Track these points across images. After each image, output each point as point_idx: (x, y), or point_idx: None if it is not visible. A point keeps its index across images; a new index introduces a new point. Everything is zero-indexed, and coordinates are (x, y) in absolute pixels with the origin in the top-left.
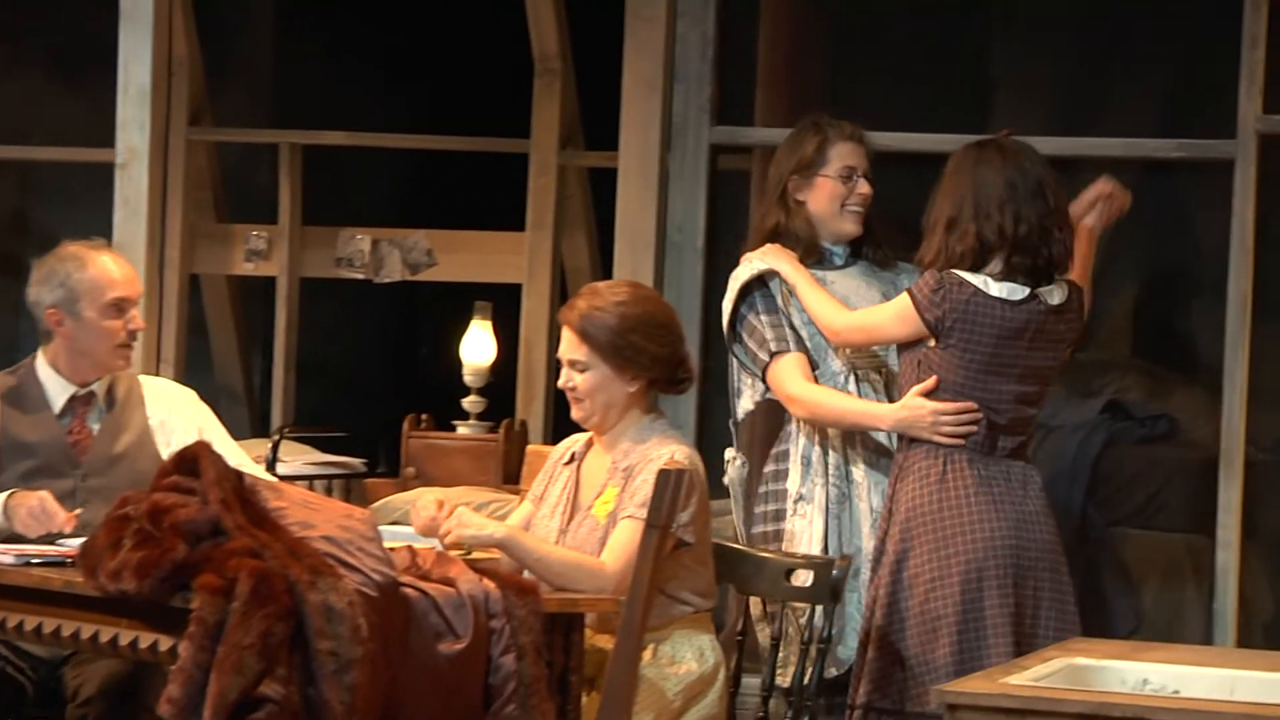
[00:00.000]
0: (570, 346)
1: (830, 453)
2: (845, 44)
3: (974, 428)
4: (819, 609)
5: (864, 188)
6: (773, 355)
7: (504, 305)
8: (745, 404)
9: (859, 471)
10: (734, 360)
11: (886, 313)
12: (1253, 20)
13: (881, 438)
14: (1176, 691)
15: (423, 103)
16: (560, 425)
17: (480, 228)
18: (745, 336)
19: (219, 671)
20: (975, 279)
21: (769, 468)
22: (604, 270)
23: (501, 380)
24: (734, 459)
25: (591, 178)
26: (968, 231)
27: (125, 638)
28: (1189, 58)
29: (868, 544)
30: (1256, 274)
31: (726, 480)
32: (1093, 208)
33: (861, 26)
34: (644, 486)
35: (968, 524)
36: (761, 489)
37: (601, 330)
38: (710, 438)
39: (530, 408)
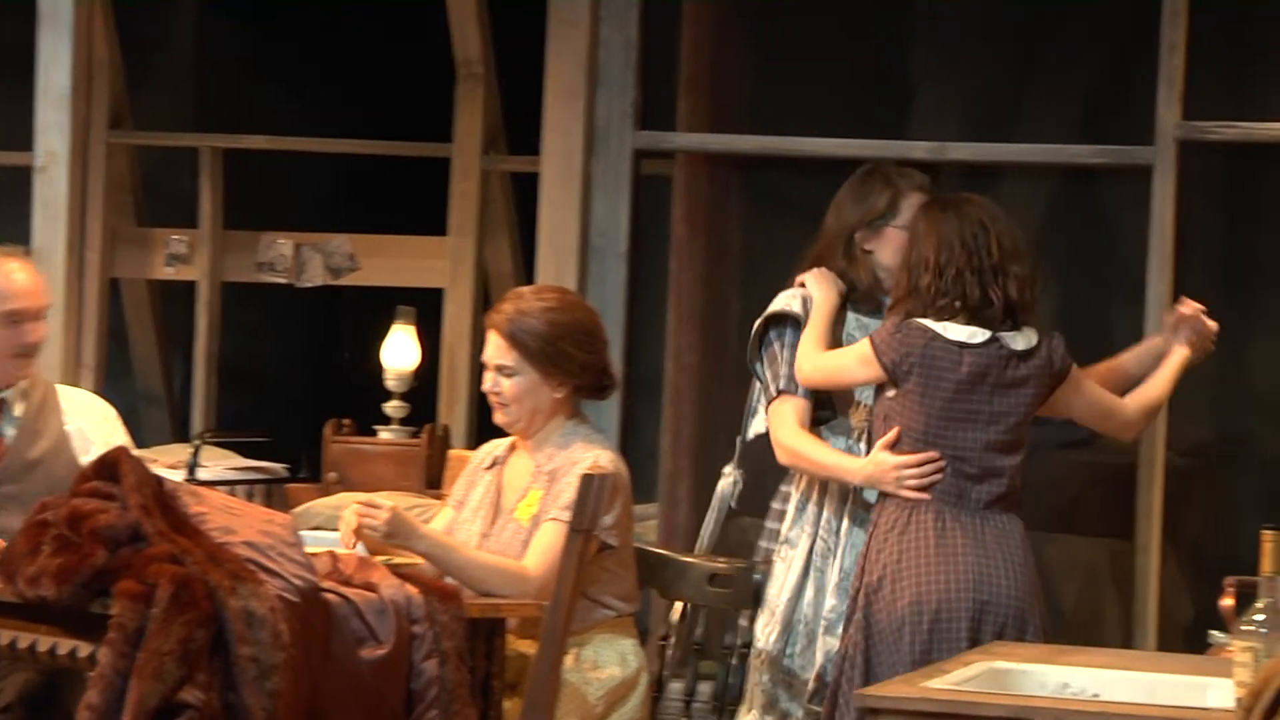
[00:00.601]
0: (498, 351)
1: (826, 503)
2: (767, 49)
3: (938, 477)
4: (742, 613)
5: None
6: (779, 393)
7: (426, 310)
8: (757, 426)
9: (845, 527)
10: (755, 380)
11: (849, 356)
12: (1171, 27)
13: (870, 495)
14: (1097, 695)
15: (345, 107)
16: (483, 430)
17: (403, 233)
18: (765, 363)
19: (139, 678)
20: (935, 325)
21: (774, 503)
22: (527, 275)
23: (424, 385)
24: (729, 474)
25: (514, 183)
26: (916, 292)
27: (44, 644)
28: (1108, 64)
29: (832, 601)
30: (1175, 279)
31: (716, 492)
32: (1177, 330)
33: (783, 32)
34: (567, 490)
35: (923, 575)
36: (765, 522)
37: (530, 336)
38: (634, 443)
39: (453, 413)
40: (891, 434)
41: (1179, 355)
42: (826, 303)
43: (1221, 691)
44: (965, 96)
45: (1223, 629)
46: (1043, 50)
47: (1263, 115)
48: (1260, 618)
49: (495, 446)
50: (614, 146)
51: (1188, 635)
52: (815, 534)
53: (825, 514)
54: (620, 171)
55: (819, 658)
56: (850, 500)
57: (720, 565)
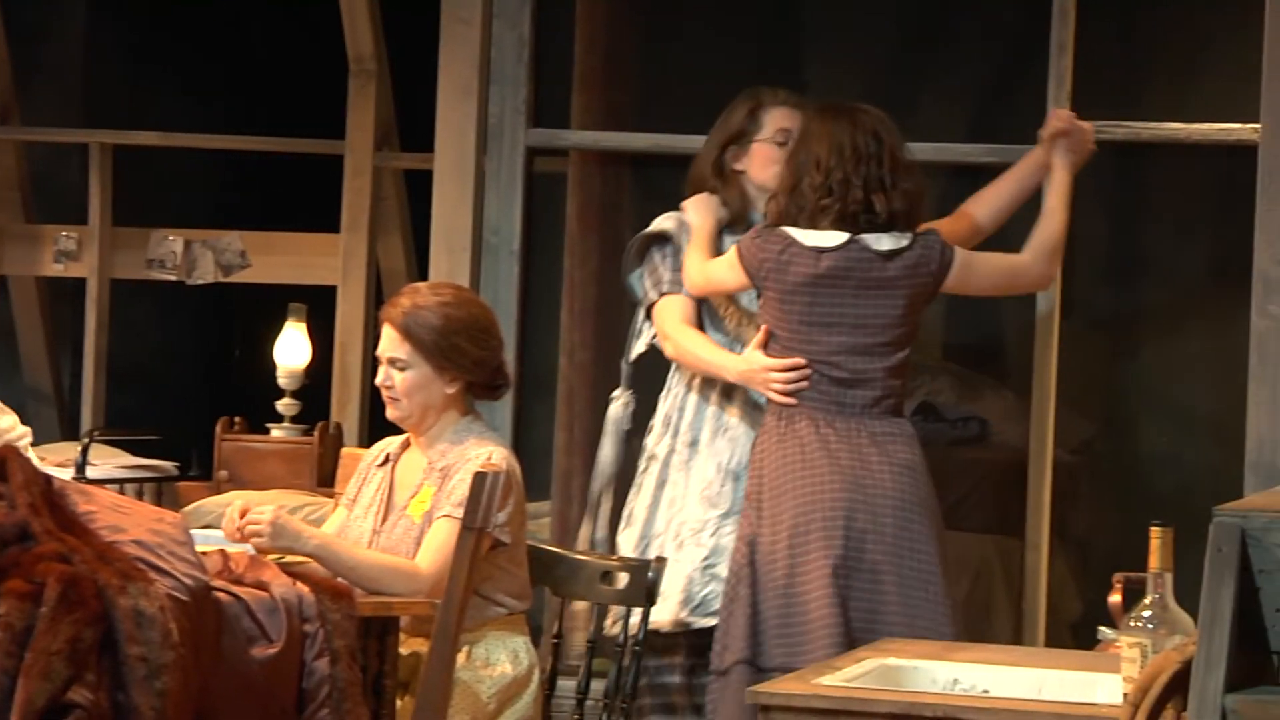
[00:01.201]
0: (391, 345)
1: (689, 413)
2: (660, 47)
3: (804, 384)
4: (635, 611)
5: None
6: (661, 294)
7: (319, 308)
8: (639, 346)
9: (706, 438)
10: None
11: (721, 263)
12: (1060, 27)
13: (758, 397)
14: (986, 691)
15: (237, 103)
16: (375, 428)
17: (295, 230)
18: (645, 274)
19: (26, 677)
20: (794, 231)
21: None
22: (420, 273)
23: (316, 383)
24: (618, 397)
25: (407, 180)
26: (796, 191)
27: None
28: (998, 63)
29: (696, 509)
30: (1065, 278)
31: (608, 416)
32: (1054, 145)
33: (676, 29)
34: (460, 486)
35: (797, 483)
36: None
37: (425, 330)
38: (527, 440)
39: (345, 410)
40: (761, 332)
41: (1061, 175)
42: (705, 224)
43: (1109, 687)
44: (857, 94)
45: (1111, 625)
46: (934, 49)
47: (1150, 115)
48: (1148, 614)
49: (388, 444)
50: (507, 144)
51: (1076, 631)
52: (674, 446)
53: (683, 426)
54: (513, 169)
55: (686, 568)
56: (716, 407)
57: (613, 563)
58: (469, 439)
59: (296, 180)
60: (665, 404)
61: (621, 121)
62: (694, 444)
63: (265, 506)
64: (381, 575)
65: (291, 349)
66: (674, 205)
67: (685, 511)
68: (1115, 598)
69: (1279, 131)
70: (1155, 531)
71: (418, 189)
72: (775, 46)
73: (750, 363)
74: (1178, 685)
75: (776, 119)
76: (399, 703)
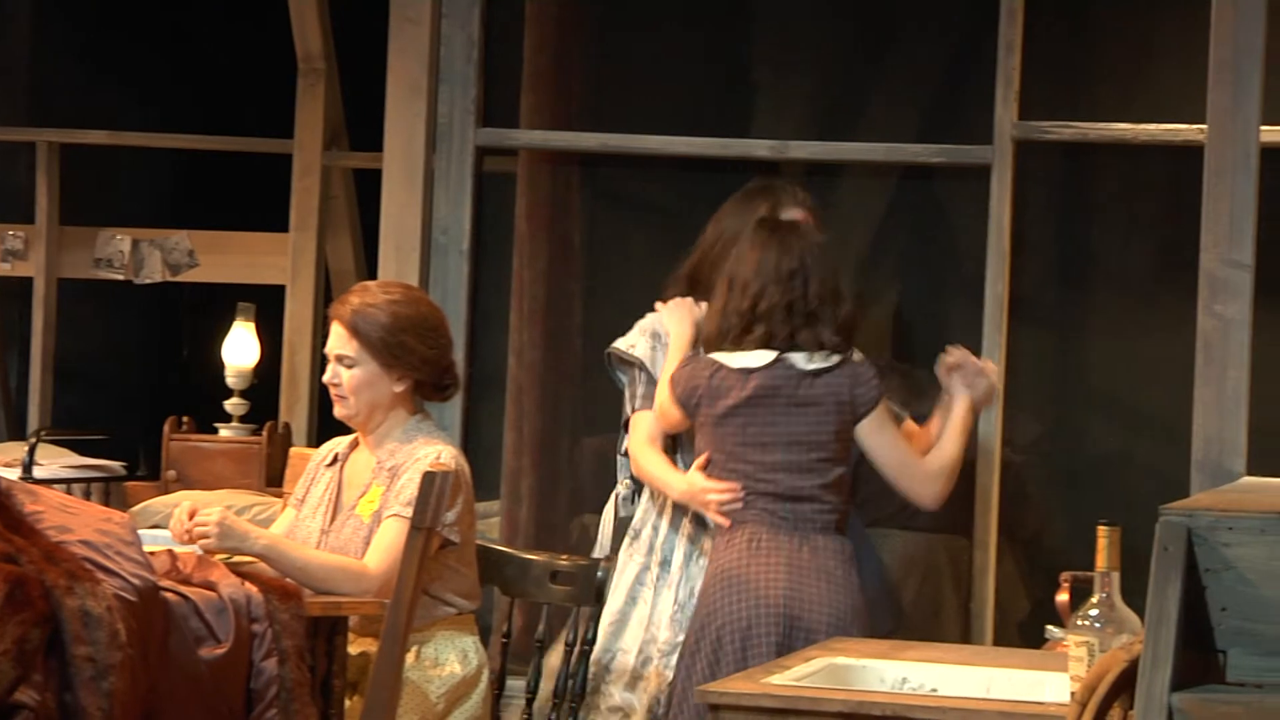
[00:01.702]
0: (340, 342)
1: (663, 530)
2: (610, 47)
3: (738, 505)
4: (583, 610)
5: None
6: (634, 411)
7: (267, 307)
8: (625, 441)
9: (680, 559)
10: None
11: (663, 395)
12: (1008, 28)
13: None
14: (935, 690)
15: (185, 102)
16: (324, 428)
17: (244, 229)
18: (625, 384)
19: None
20: (721, 356)
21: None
22: (369, 272)
23: (265, 383)
24: (621, 486)
25: (356, 179)
26: (724, 314)
27: None
28: (947, 64)
29: (666, 634)
30: (1012, 278)
31: (608, 505)
32: (951, 381)
33: (626, 30)
34: (409, 486)
35: (729, 596)
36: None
37: (373, 327)
38: (476, 440)
39: (294, 410)
40: (701, 458)
41: (960, 406)
42: (682, 332)
43: (1057, 686)
44: (807, 95)
45: (1058, 624)
46: (883, 50)
47: (1098, 115)
48: (1095, 613)
49: (337, 444)
50: (456, 143)
51: (1024, 630)
52: (646, 563)
53: (657, 543)
54: (462, 168)
55: (653, 690)
56: (691, 528)
57: (562, 562)
58: (418, 438)
59: (245, 179)
60: (637, 515)
61: (571, 121)
62: (665, 564)
63: (212, 508)
64: (329, 575)
65: (240, 348)
66: (623, 206)
67: (653, 631)
68: (1063, 597)
69: (1225, 132)
70: (1102, 531)
71: (367, 188)
72: (725, 48)
73: (691, 484)
74: (1125, 684)
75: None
76: (347, 702)
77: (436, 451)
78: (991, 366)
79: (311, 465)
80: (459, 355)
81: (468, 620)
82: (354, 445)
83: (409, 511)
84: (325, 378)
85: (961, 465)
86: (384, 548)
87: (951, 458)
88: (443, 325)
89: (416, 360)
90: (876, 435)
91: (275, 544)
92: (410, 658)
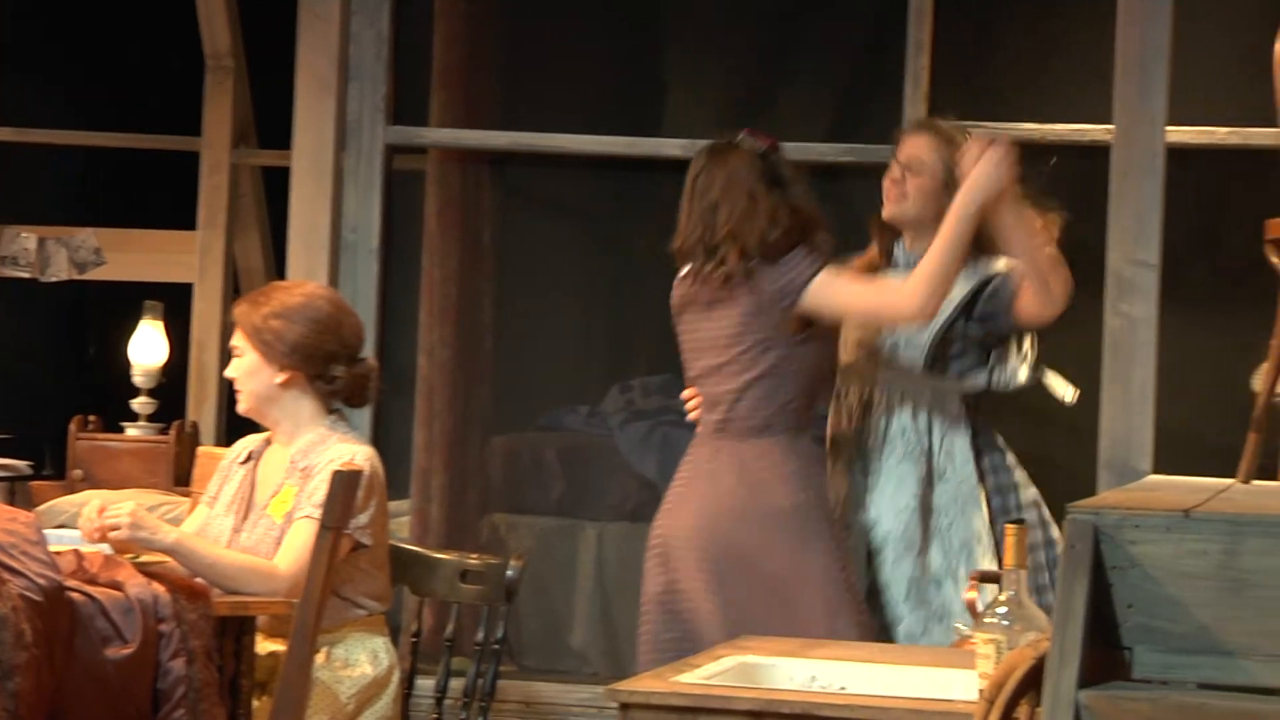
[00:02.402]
0: (235, 333)
1: None
2: (521, 45)
3: (696, 412)
4: (494, 610)
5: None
6: None
7: (175, 305)
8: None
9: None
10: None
11: None
12: (917, 27)
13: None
14: (844, 688)
15: (92, 99)
16: (232, 427)
17: (151, 227)
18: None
19: None
20: (683, 270)
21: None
22: (278, 271)
23: (173, 381)
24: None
25: (265, 177)
26: (685, 231)
27: None
28: (855, 63)
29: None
30: None
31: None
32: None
33: (537, 28)
34: (322, 486)
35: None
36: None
37: (254, 314)
38: (386, 439)
39: (202, 409)
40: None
41: (956, 202)
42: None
43: (965, 683)
44: (717, 94)
45: (967, 621)
46: (792, 49)
47: (1006, 115)
48: (1003, 610)
49: (250, 442)
50: (365, 141)
51: None
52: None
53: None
54: (372, 166)
55: None
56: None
57: (472, 561)
58: (332, 439)
59: (152, 177)
60: None
61: (482, 119)
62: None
63: (123, 504)
64: (239, 574)
65: (147, 347)
66: (533, 205)
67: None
68: (971, 594)
69: (1131, 132)
70: (1010, 529)
71: (275, 186)
72: (636, 47)
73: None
74: (1032, 681)
75: (901, 148)
76: (256, 703)
77: (351, 452)
78: (998, 150)
79: (225, 463)
80: (368, 354)
81: (378, 621)
82: (267, 443)
83: (320, 513)
84: (227, 372)
85: (954, 272)
86: (295, 548)
87: (934, 261)
88: (331, 320)
89: (285, 346)
90: (825, 290)
91: (184, 541)
92: (320, 658)
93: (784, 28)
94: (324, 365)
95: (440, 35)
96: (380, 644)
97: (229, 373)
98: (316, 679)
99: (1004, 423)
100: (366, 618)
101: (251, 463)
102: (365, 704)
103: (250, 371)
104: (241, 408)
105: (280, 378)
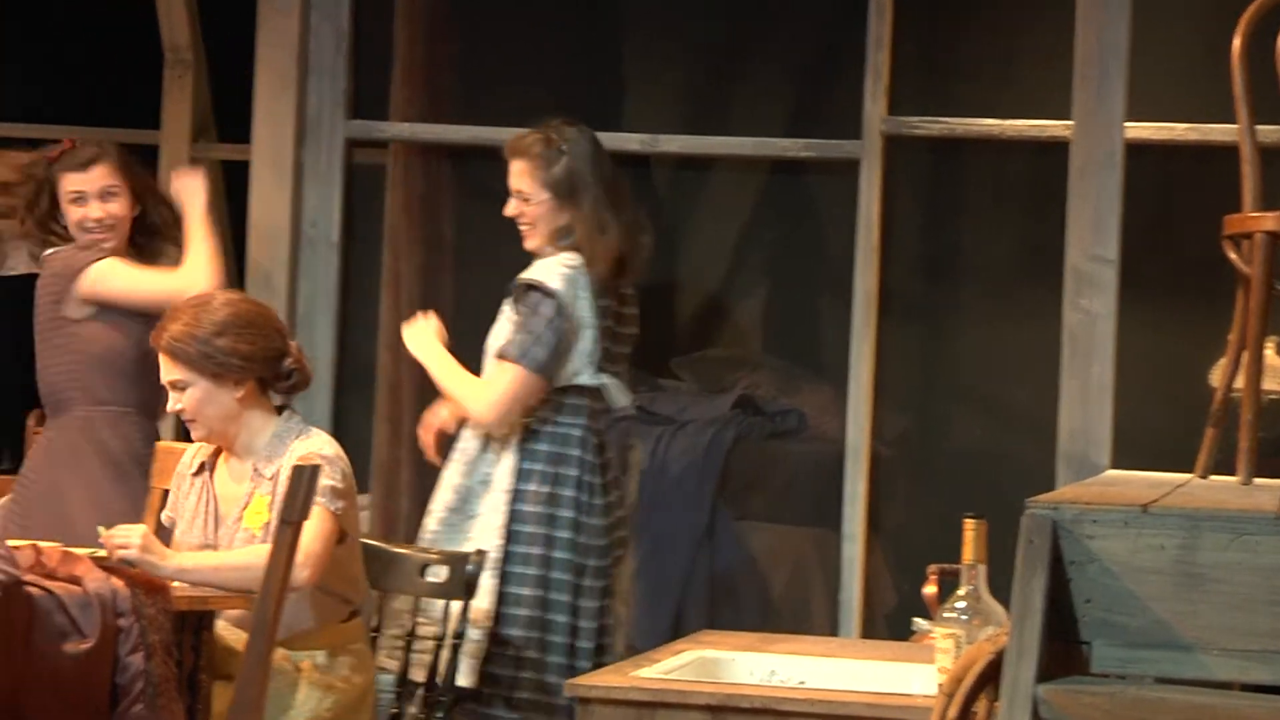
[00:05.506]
0: (166, 369)
1: None
2: (481, 40)
3: None
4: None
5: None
6: None
7: None
8: None
9: None
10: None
11: None
12: (877, 23)
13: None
14: (803, 682)
15: (51, 93)
16: None
17: None
18: None
19: None
20: None
21: None
22: (237, 265)
23: None
24: None
25: (225, 171)
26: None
27: None
28: (816, 58)
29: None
30: (881, 272)
31: None
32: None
33: (497, 22)
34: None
35: None
36: None
37: (186, 343)
38: (345, 433)
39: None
40: None
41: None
42: None
43: (924, 678)
44: (677, 89)
45: (926, 616)
46: (753, 44)
47: (965, 111)
48: (962, 605)
49: (200, 450)
50: (325, 135)
51: (891, 622)
52: None
53: None
54: (332, 160)
55: None
56: None
57: (432, 556)
58: (290, 440)
59: None
60: None
61: (442, 114)
62: None
63: (136, 526)
64: (252, 570)
65: None
66: (493, 199)
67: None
68: (930, 589)
69: (1090, 129)
70: (969, 524)
71: (235, 181)
72: (596, 41)
73: None
74: (991, 675)
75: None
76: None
77: (316, 446)
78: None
79: (178, 474)
80: (327, 347)
81: (357, 627)
82: (218, 452)
83: (322, 501)
84: (168, 406)
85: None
86: (304, 545)
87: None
88: (261, 319)
89: (240, 360)
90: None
91: (186, 566)
92: (306, 665)
93: (744, 22)
94: (277, 364)
95: (400, 29)
96: (361, 650)
97: (175, 406)
98: (300, 683)
99: (963, 418)
100: (347, 625)
101: (205, 474)
102: (344, 714)
103: (204, 399)
104: (200, 436)
105: (239, 393)
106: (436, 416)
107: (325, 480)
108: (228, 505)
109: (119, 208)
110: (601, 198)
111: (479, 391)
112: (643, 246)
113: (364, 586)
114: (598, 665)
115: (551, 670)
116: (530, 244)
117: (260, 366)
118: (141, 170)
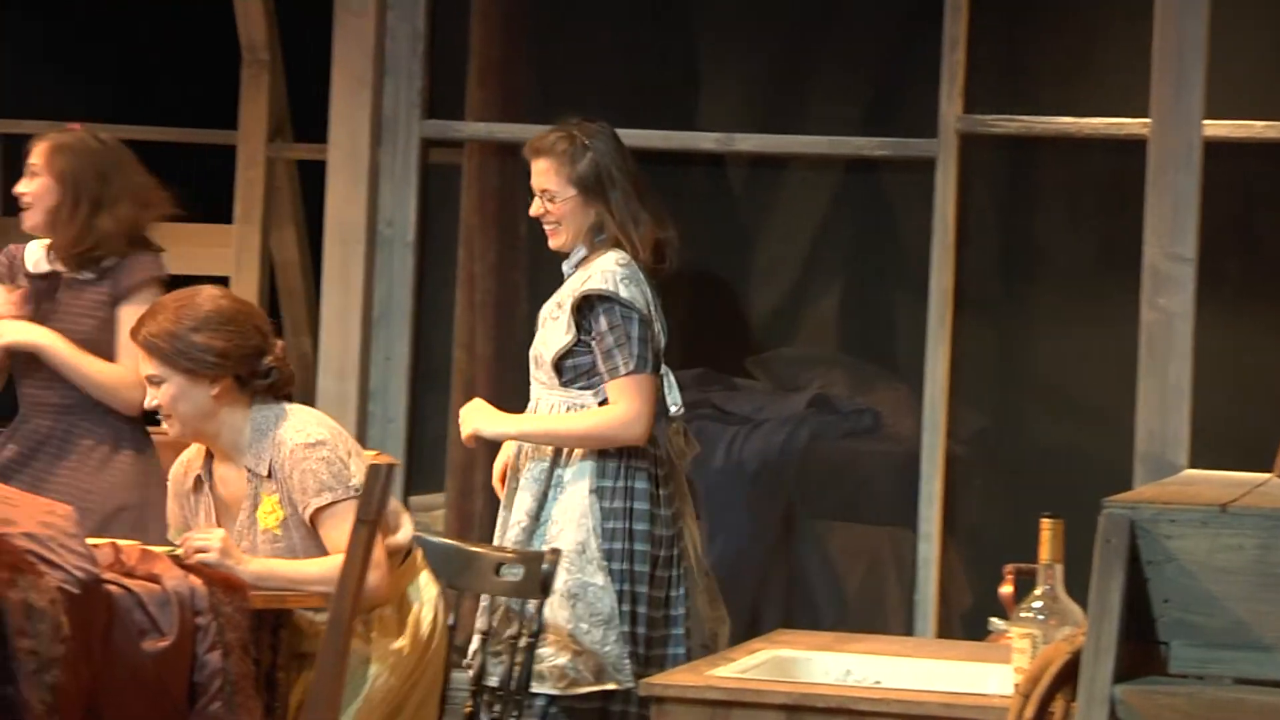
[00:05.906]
0: (143, 364)
1: None
2: (557, 39)
3: None
4: (529, 603)
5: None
6: None
7: None
8: None
9: None
10: None
11: None
12: (952, 23)
13: None
14: (878, 682)
15: (128, 92)
16: None
17: (187, 220)
18: None
19: None
20: None
21: None
22: (313, 264)
23: None
24: None
25: (301, 170)
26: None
27: None
28: (891, 57)
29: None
30: (956, 270)
31: None
32: None
33: (572, 22)
34: (302, 475)
35: None
36: None
37: (161, 338)
38: (421, 433)
39: None
40: None
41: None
42: None
43: (1000, 678)
44: (752, 87)
45: (1002, 616)
46: (828, 43)
47: (1042, 109)
48: (1038, 604)
49: (190, 464)
50: (401, 135)
51: (967, 622)
52: None
53: None
54: (408, 160)
55: None
56: None
57: (508, 555)
58: (270, 429)
59: (189, 170)
60: None
61: (518, 113)
62: None
63: (215, 529)
64: (326, 578)
65: None
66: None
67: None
68: (1006, 589)
69: (1168, 126)
70: (1045, 523)
71: (311, 180)
72: (671, 40)
73: None
74: (1067, 676)
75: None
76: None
77: (301, 427)
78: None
79: (175, 491)
80: (404, 347)
81: (413, 563)
82: (209, 457)
83: (330, 496)
84: (146, 402)
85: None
86: (342, 538)
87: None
88: (241, 316)
89: (214, 356)
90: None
91: (261, 571)
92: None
93: (819, 21)
94: (255, 361)
95: (476, 29)
96: (426, 583)
97: (151, 403)
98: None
99: (1039, 417)
100: (403, 569)
101: (204, 487)
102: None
103: (178, 395)
104: (175, 433)
105: (214, 390)
106: (504, 459)
107: (350, 480)
108: (237, 513)
109: (37, 188)
110: (629, 190)
111: (615, 417)
112: (673, 238)
113: (398, 519)
114: (672, 660)
115: (633, 661)
116: (555, 243)
117: (236, 364)
118: (85, 166)
